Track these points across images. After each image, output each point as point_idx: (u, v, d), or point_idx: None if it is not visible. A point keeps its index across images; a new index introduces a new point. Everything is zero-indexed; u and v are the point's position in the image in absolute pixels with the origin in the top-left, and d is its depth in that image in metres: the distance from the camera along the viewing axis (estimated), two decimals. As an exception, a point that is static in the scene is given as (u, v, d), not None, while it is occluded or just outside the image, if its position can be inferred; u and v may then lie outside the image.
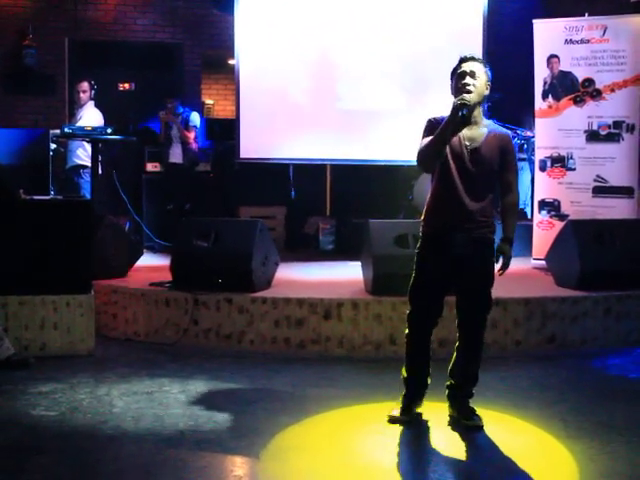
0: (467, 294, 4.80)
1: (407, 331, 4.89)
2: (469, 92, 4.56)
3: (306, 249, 10.13)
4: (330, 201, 10.39)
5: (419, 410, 4.98)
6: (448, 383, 4.99)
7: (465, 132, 4.67)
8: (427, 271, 4.77)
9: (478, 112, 4.72)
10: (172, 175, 10.31)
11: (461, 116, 4.50)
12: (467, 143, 4.66)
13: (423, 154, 4.64)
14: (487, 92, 4.73)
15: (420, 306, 4.82)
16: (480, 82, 4.64)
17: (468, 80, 4.60)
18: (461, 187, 4.64)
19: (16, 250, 6.38)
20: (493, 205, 4.80)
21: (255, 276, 6.90)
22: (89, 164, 8.87)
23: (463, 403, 4.92)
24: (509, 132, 4.88)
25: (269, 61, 9.74)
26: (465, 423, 4.81)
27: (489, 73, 4.74)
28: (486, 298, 4.80)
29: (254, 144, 9.75)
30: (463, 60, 4.69)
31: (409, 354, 4.92)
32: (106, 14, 11.95)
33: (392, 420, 4.87)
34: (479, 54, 4.82)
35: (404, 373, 4.97)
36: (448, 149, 4.64)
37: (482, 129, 4.71)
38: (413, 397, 4.96)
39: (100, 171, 8.87)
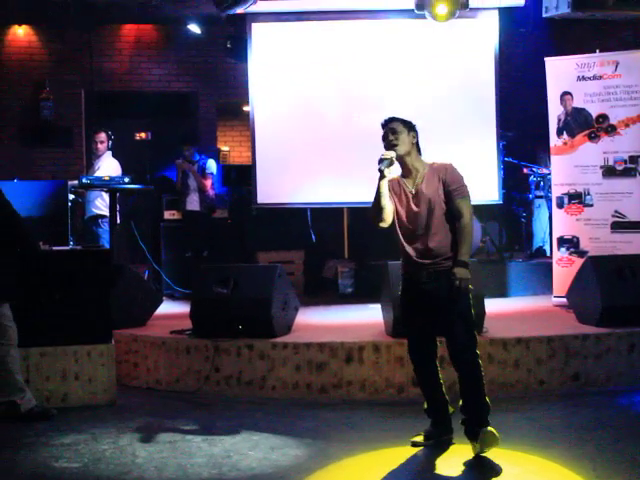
0: (446, 327, 5.02)
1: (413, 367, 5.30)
2: (394, 146, 5.09)
3: (325, 293, 10.11)
4: (348, 244, 10.39)
5: (444, 442, 5.16)
6: (461, 419, 5.06)
7: (406, 181, 5.16)
8: (407, 309, 5.22)
9: (413, 159, 5.17)
10: (190, 222, 10.36)
11: (380, 170, 5.01)
12: (409, 188, 5.13)
13: (370, 211, 5.18)
14: (414, 140, 5.18)
15: (411, 341, 5.24)
16: (402, 135, 5.13)
17: (390, 137, 5.13)
18: (413, 229, 5.08)
19: (36, 301, 6.39)
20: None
21: (275, 322, 6.88)
22: (107, 214, 8.93)
23: (478, 433, 4.90)
24: (448, 163, 5.16)
25: (283, 107, 9.81)
26: (482, 448, 4.88)
27: (411, 124, 5.22)
28: (464, 330, 4.96)
29: (271, 189, 9.79)
30: (383, 125, 5.23)
31: (420, 384, 5.32)
32: (121, 65, 12.10)
33: (414, 444, 5.15)
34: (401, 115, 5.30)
35: (425, 405, 5.29)
36: (396, 200, 5.14)
37: (421, 172, 5.13)
38: (434, 423, 5.23)
39: (118, 220, 8.92)
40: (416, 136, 5.20)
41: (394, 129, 5.14)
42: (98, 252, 7.32)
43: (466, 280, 4.91)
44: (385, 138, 5.19)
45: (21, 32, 11.78)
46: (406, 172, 5.19)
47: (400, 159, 5.13)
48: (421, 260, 5.05)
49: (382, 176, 5.04)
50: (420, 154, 5.23)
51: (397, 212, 5.16)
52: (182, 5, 10.49)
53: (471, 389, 4.97)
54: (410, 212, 5.10)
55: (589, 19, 8.51)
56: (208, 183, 10.36)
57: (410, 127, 5.19)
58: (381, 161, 5.02)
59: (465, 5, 8.57)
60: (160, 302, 8.29)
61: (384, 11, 9.67)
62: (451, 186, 5.03)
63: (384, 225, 5.16)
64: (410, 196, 5.11)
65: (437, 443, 5.16)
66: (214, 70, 12.14)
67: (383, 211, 5.09)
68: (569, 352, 6.68)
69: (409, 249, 5.11)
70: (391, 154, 5.05)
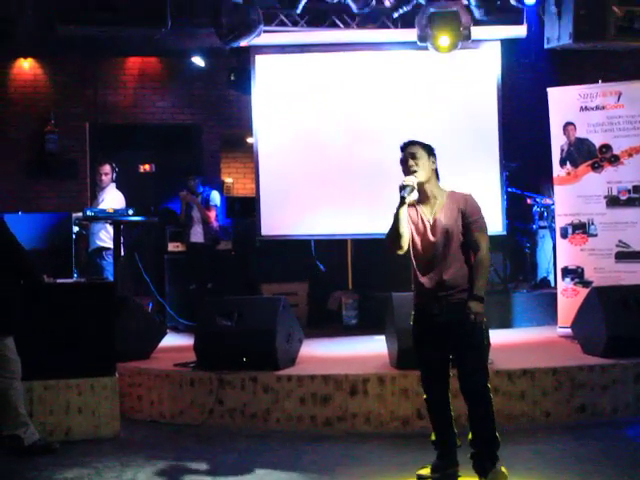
0: (458, 360, 4.96)
1: (424, 395, 5.17)
2: (414, 172, 4.96)
3: (330, 324, 10.09)
4: (352, 275, 10.39)
5: (450, 475, 5.09)
6: (470, 453, 5.00)
7: (424, 208, 5.06)
8: (419, 341, 5.14)
9: (433, 186, 5.07)
10: (194, 254, 10.36)
11: (402, 197, 4.90)
12: (427, 217, 5.02)
13: (385, 238, 5.07)
14: (434, 166, 5.07)
15: (422, 373, 5.16)
16: (422, 160, 5.01)
17: (410, 162, 4.99)
18: (428, 259, 4.98)
19: (40, 334, 6.38)
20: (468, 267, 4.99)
21: (279, 354, 6.86)
22: (111, 246, 8.94)
23: (487, 468, 4.86)
24: (467, 193, 5.07)
25: (287, 139, 9.85)
26: None
27: (430, 149, 5.09)
28: (477, 364, 4.89)
29: (274, 221, 9.80)
30: (402, 148, 5.09)
31: (430, 415, 5.21)
32: (126, 98, 12.16)
33: (420, 477, 5.08)
34: (420, 138, 5.17)
35: (432, 436, 5.18)
36: (412, 227, 5.04)
37: (440, 200, 5.03)
38: (441, 455, 5.14)
39: (122, 252, 8.92)
40: (435, 161, 5.10)
41: (414, 154, 5.02)
42: (102, 285, 7.33)
43: (481, 314, 4.82)
44: (404, 162, 5.06)
45: (26, 65, 11.85)
46: (424, 199, 5.08)
47: (419, 185, 5.02)
48: (435, 291, 4.97)
49: (402, 203, 4.93)
50: (439, 179, 5.13)
51: (413, 240, 5.08)
52: (186, 38, 10.54)
53: (481, 424, 4.90)
54: (426, 241, 5.01)
55: (591, 50, 8.54)
56: (212, 215, 10.38)
57: (429, 151, 5.08)
58: (403, 188, 4.91)
59: (467, 37, 8.61)
60: (164, 334, 8.28)
61: (387, 43, 9.73)
62: (470, 218, 4.95)
63: (400, 252, 5.08)
64: (428, 225, 5.01)
65: (443, 476, 5.10)
66: (218, 102, 12.19)
67: (401, 238, 4.99)
68: (575, 383, 6.65)
69: (423, 279, 5.04)
70: (413, 181, 4.95)
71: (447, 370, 5.06)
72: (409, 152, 5.03)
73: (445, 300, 4.93)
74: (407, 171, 5.02)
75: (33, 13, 9.16)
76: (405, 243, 5.03)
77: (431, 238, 4.98)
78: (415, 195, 5.04)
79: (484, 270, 4.92)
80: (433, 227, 4.98)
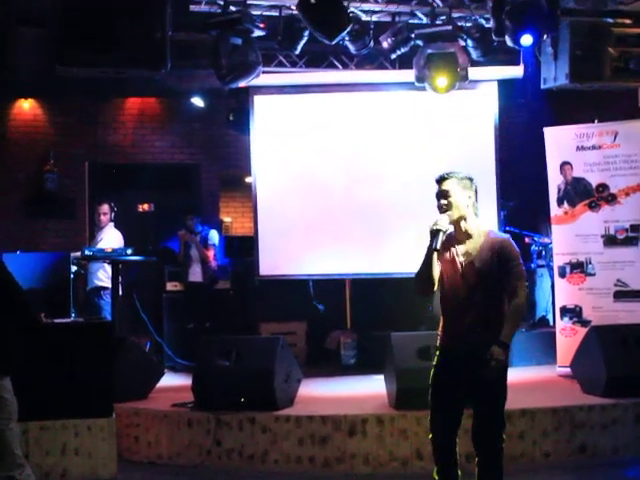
0: (477, 407, 4.78)
1: (430, 435, 4.90)
2: (445, 211, 4.71)
3: (328, 364, 10.05)
4: (350, 315, 10.36)
5: None
6: None
7: (457, 246, 4.78)
8: (436, 381, 4.85)
9: (468, 223, 4.79)
10: (192, 294, 10.36)
11: (434, 247, 4.66)
12: (461, 258, 4.75)
13: (415, 279, 4.83)
14: (470, 201, 4.78)
15: (435, 412, 4.84)
16: (456, 197, 4.74)
17: (442, 201, 4.75)
18: (458, 301, 4.73)
19: (37, 374, 6.35)
20: (502, 314, 4.73)
21: (278, 394, 6.83)
22: (109, 285, 8.93)
23: None
24: (505, 236, 4.86)
25: (285, 178, 9.89)
26: None
27: (468, 182, 4.81)
28: (495, 413, 4.74)
29: (273, 261, 9.81)
30: (437, 181, 4.83)
31: (434, 456, 4.90)
32: (125, 138, 12.22)
33: None
34: (457, 170, 4.88)
35: (435, 475, 4.89)
36: (443, 267, 4.78)
37: (476, 240, 4.77)
38: None
39: (120, 292, 8.91)
40: (473, 196, 4.80)
41: (446, 192, 4.75)
42: (100, 324, 7.32)
43: (501, 362, 4.58)
44: (437, 199, 4.80)
45: (27, 105, 11.92)
46: (459, 236, 4.80)
47: (452, 222, 4.76)
48: (462, 335, 4.73)
49: (434, 250, 4.70)
50: (477, 215, 4.83)
51: (442, 279, 4.81)
52: (185, 79, 10.63)
53: (490, 474, 4.74)
54: (457, 283, 4.75)
55: (587, 90, 8.61)
56: (210, 254, 10.39)
57: (465, 186, 4.78)
58: (433, 235, 4.65)
59: (465, 77, 8.68)
60: (162, 374, 8.24)
61: (385, 84, 9.81)
62: (508, 264, 4.68)
63: (426, 295, 4.94)
64: (460, 266, 4.74)
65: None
66: (217, 142, 12.25)
67: (431, 282, 4.77)
68: (575, 423, 6.62)
69: (450, 321, 4.81)
70: (444, 224, 4.69)
71: (460, 415, 4.83)
72: (442, 189, 4.77)
73: (472, 344, 4.68)
74: (440, 210, 4.77)
75: (34, 54, 9.27)
76: (434, 286, 4.82)
77: (463, 280, 4.72)
78: (448, 226, 4.75)
79: (518, 318, 4.70)
80: (466, 269, 4.72)
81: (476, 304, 4.68)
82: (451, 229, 4.78)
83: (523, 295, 4.69)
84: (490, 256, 4.69)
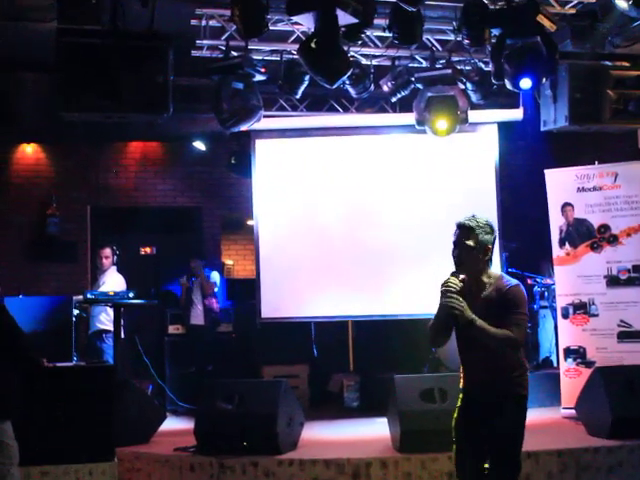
0: (493, 452, 4.69)
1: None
2: (457, 264, 4.68)
3: (331, 407, 9.99)
4: (353, 357, 10.33)
5: None
6: None
7: (471, 294, 4.71)
8: (459, 423, 4.77)
9: (480, 274, 4.74)
10: (194, 337, 10.34)
11: (447, 306, 4.55)
12: (474, 305, 4.65)
13: (429, 332, 4.78)
14: (484, 253, 4.71)
15: (459, 455, 4.75)
16: (468, 252, 4.68)
17: (455, 252, 4.73)
18: (474, 348, 4.67)
19: (38, 418, 6.31)
20: (517, 360, 4.69)
21: (281, 438, 6.78)
22: (112, 328, 8.92)
23: None
24: (515, 283, 4.72)
25: (287, 221, 9.92)
26: None
27: (479, 236, 4.70)
28: (510, 458, 4.66)
29: (275, 303, 9.80)
30: (457, 227, 4.79)
31: None
32: (127, 181, 12.28)
33: None
34: (475, 215, 4.80)
35: None
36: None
37: (488, 287, 4.73)
38: None
39: (123, 335, 8.89)
40: (487, 245, 4.72)
41: (461, 243, 4.71)
42: (102, 368, 7.29)
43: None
44: (454, 247, 4.76)
45: (29, 150, 11.99)
46: (471, 285, 4.72)
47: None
48: (477, 379, 4.71)
49: (447, 309, 4.56)
50: (490, 265, 4.77)
51: (457, 325, 4.72)
52: (187, 123, 10.71)
53: None
54: (468, 330, 4.63)
55: (587, 132, 8.66)
56: (212, 287, 10.43)
57: (478, 239, 4.69)
58: (447, 297, 4.53)
59: (465, 120, 8.73)
60: (164, 418, 8.19)
61: (385, 127, 9.88)
62: (511, 309, 4.58)
63: (440, 347, 4.93)
64: (473, 312, 4.60)
65: None
66: (218, 185, 12.30)
67: (445, 335, 4.75)
68: (580, 465, 6.57)
69: (466, 365, 4.79)
70: (455, 285, 4.57)
71: (484, 454, 4.70)
72: (457, 239, 4.74)
73: (489, 389, 4.65)
74: (453, 258, 4.74)
75: (35, 99, 9.35)
76: (449, 338, 4.78)
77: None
78: (459, 284, 4.62)
79: (499, 335, 4.50)
80: (479, 315, 4.59)
81: (486, 351, 4.61)
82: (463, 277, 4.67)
83: (517, 337, 4.55)
84: (499, 302, 4.63)
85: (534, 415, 8.73)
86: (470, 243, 4.69)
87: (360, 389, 9.93)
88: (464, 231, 4.72)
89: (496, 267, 9.34)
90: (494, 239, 4.78)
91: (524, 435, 4.70)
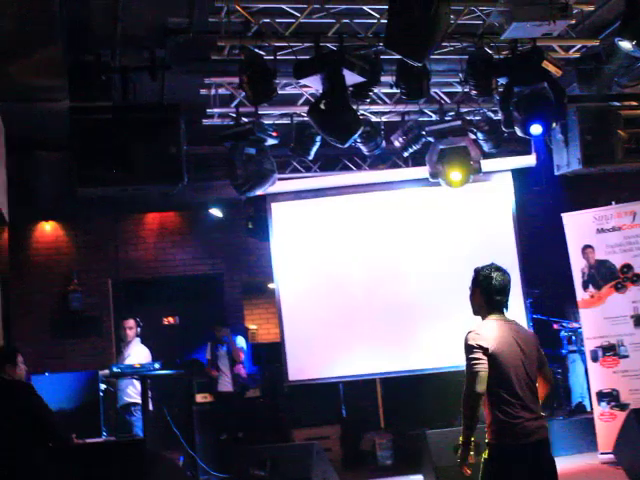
0: None
1: None
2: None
3: (364, 466, 9.89)
4: (383, 414, 10.23)
5: None
6: None
7: None
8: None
9: (478, 313, 4.77)
10: (223, 404, 10.28)
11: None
12: None
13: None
14: (478, 303, 4.75)
15: None
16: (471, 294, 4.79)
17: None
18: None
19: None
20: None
21: (315, 502, 6.71)
22: (139, 401, 8.88)
23: None
24: (467, 336, 4.62)
25: (308, 282, 9.91)
26: None
27: (476, 282, 4.77)
28: None
29: (301, 366, 9.75)
30: None
31: None
32: (146, 253, 12.33)
33: None
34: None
35: None
36: None
37: None
38: None
39: (151, 407, 8.85)
40: (477, 293, 4.78)
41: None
42: (131, 442, 7.27)
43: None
44: None
45: (48, 228, 12.09)
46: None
47: None
48: None
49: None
50: (489, 310, 4.74)
51: None
52: (203, 191, 10.79)
53: None
54: None
55: (601, 173, 8.67)
56: (241, 355, 10.39)
57: (473, 284, 4.80)
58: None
59: (478, 170, 8.76)
60: (197, 489, 8.11)
61: (399, 182, 9.90)
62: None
63: None
64: None
65: None
66: (237, 250, 12.33)
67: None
68: (623, 512, 6.43)
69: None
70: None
71: None
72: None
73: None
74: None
75: (52, 178, 9.46)
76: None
77: None
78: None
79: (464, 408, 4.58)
80: None
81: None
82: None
83: (466, 388, 4.57)
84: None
85: (571, 462, 8.67)
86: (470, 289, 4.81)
87: (393, 446, 9.82)
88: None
89: (519, 314, 9.38)
90: (485, 283, 4.76)
91: None
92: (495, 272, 4.78)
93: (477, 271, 4.82)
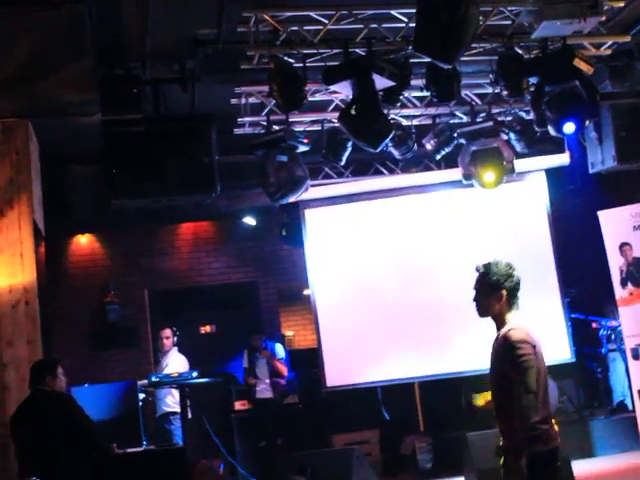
0: None
1: None
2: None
3: (405, 470, 9.87)
4: (423, 417, 10.20)
5: None
6: None
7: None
8: None
9: (500, 318, 4.57)
10: (261, 411, 10.29)
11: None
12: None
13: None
14: (501, 300, 4.56)
15: None
16: (483, 298, 4.64)
17: (475, 297, 4.71)
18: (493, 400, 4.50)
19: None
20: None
21: (357, 507, 6.69)
22: (178, 410, 8.92)
23: None
24: (512, 332, 4.40)
25: (343, 287, 9.92)
26: None
27: (496, 283, 4.60)
28: None
29: (339, 371, 9.75)
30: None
31: None
32: (181, 262, 12.39)
33: None
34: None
35: None
36: None
37: (499, 335, 4.53)
38: None
39: (190, 415, 8.89)
40: (503, 294, 4.54)
41: (477, 289, 4.68)
42: (172, 451, 7.29)
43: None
44: None
45: (84, 240, 12.19)
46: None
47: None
48: (501, 435, 4.47)
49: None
50: (510, 309, 4.55)
51: None
52: (236, 200, 10.83)
53: None
54: (490, 379, 4.52)
55: (636, 169, 8.58)
56: (284, 368, 10.38)
57: (494, 287, 4.57)
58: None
59: (511, 170, 8.71)
60: (238, 496, 8.14)
61: (432, 185, 9.88)
62: (503, 364, 4.37)
63: None
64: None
65: None
66: (272, 258, 12.36)
67: None
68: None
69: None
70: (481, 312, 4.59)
71: None
72: (475, 285, 4.71)
73: (503, 445, 4.46)
74: None
75: (87, 191, 9.55)
76: None
77: (490, 376, 4.51)
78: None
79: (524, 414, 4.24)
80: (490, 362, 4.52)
81: (497, 403, 4.51)
82: None
83: (524, 387, 4.27)
84: (499, 352, 4.48)
85: (615, 462, 8.59)
86: (481, 290, 4.66)
87: (433, 450, 9.78)
88: (478, 276, 4.71)
89: (557, 314, 9.32)
90: (509, 283, 4.61)
91: None
92: (510, 269, 4.66)
93: (494, 272, 4.64)
